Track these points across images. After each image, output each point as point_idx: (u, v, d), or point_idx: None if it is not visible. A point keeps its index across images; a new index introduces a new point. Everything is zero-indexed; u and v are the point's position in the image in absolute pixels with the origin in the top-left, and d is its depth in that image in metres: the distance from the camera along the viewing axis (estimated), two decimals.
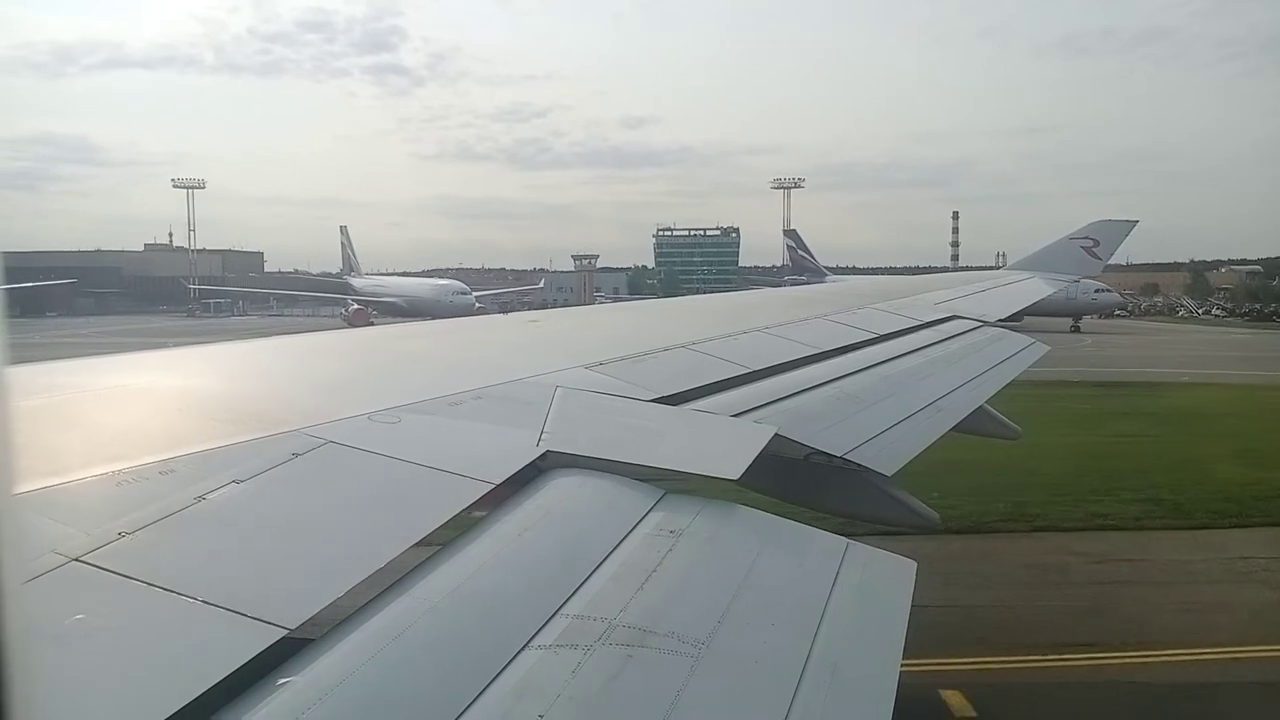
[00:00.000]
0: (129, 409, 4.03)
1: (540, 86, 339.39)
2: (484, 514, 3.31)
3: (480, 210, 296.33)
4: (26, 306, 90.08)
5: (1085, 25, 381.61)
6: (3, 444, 1.24)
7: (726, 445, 4.59)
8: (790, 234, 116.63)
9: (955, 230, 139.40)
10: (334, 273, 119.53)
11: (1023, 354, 10.07)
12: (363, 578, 2.60)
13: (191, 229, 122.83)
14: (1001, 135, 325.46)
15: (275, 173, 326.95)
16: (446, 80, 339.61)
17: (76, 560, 2.40)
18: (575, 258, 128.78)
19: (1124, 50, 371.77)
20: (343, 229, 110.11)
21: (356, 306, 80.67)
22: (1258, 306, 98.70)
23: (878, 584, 3.54)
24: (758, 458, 4.36)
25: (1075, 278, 18.96)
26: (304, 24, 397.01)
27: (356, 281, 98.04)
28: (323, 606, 2.43)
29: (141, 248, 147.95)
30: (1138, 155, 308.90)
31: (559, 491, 3.60)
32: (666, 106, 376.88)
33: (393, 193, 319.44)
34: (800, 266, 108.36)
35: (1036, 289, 15.44)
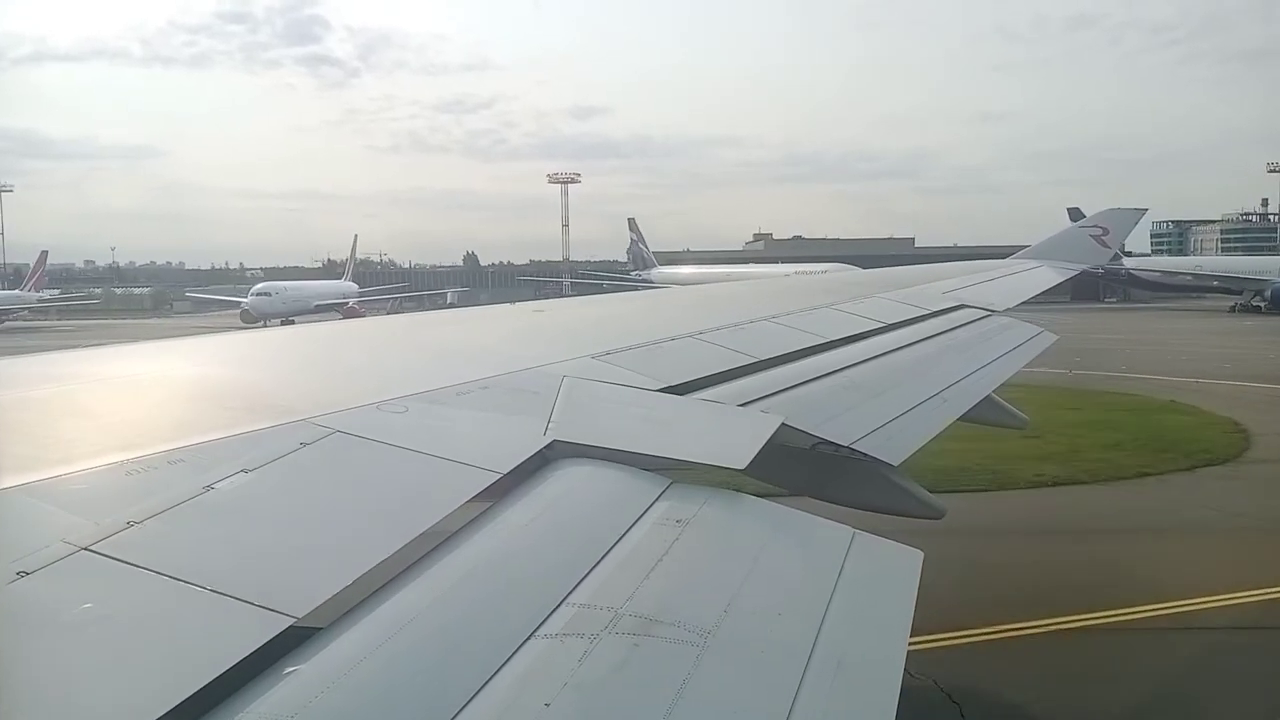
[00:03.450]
0: (138, 398, 4.04)
1: (478, 77, 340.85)
2: (491, 503, 3.32)
3: (455, 201, 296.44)
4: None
5: (1012, 15, 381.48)
6: None
7: (733, 435, 4.59)
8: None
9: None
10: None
11: (1031, 343, 10.03)
12: (370, 567, 2.61)
13: (565, 224, 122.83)
14: (958, 123, 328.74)
15: (234, 165, 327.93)
16: (382, 71, 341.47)
17: (85, 549, 2.41)
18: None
19: (1056, 38, 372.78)
20: (631, 222, 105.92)
21: None
22: None
23: (884, 574, 3.54)
24: (764, 447, 4.36)
25: (1084, 266, 18.81)
26: (223, 15, 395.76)
27: (655, 274, 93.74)
28: (330, 595, 2.44)
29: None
30: (1097, 143, 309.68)
31: (566, 481, 3.61)
32: (613, 96, 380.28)
33: (364, 184, 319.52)
34: None
35: (1046, 277, 15.34)
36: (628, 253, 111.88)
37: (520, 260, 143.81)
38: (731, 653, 2.69)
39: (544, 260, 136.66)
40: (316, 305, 77.58)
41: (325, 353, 5.80)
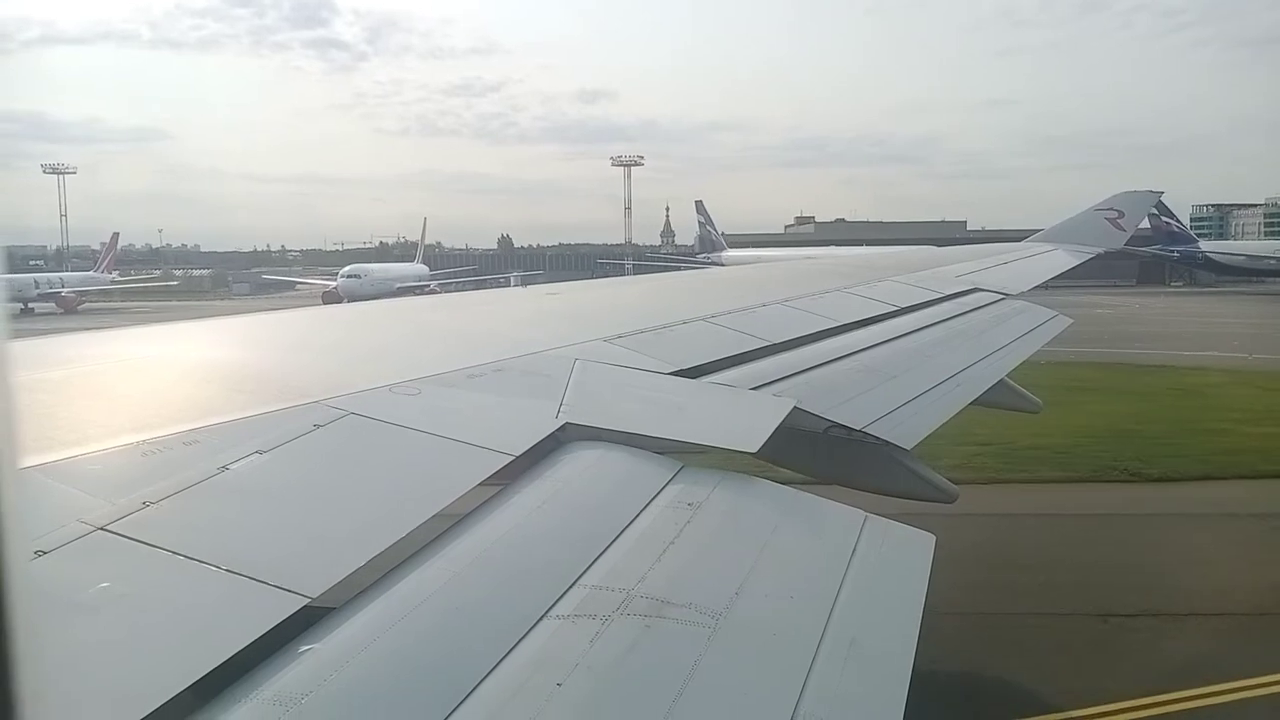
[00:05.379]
0: (154, 380, 4.07)
1: (485, 61, 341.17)
2: (503, 486, 3.33)
3: (463, 185, 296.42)
4: None
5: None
6: (6, 418, 1.23)
7: (745, 418, 4.58)
8: None
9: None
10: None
11: (1045, 327, 9.98)
12: (383, 548, 2.63)
13: (628, 207, 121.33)
14: (965, 108, 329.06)
15: (242, 148, 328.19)
16: (390, 55, 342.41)
17: (102, 529, 2.43)
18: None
19: (1065, 22, 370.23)
20: (699, 204, 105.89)
21: None
22: None
23: (896, 557, 3.54)
24: (776, 431, 4.35)
25: (1100, 249, 18.64)
26: None
27: (727, 256, 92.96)
28: (344, 576, 2.46)
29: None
30: (1105, 129, 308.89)
31: (578, 464, 3.62)
32: (619, 81, 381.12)
33: (372, 168, 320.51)
34: None
35: (1060, 261, 15.24)
36: (662, 235, 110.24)
37: (549, 243, 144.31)
38: (743, 635, 2.70)
39: (568, 243, 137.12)
40: (398, 288, 78.30)
41: (339, 335, 5.81)
